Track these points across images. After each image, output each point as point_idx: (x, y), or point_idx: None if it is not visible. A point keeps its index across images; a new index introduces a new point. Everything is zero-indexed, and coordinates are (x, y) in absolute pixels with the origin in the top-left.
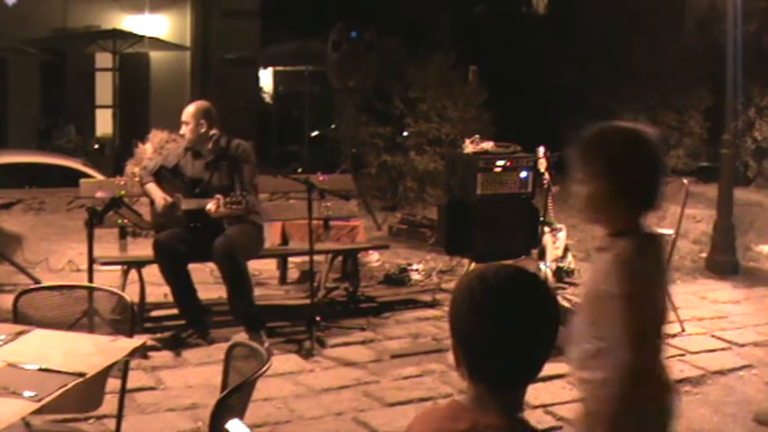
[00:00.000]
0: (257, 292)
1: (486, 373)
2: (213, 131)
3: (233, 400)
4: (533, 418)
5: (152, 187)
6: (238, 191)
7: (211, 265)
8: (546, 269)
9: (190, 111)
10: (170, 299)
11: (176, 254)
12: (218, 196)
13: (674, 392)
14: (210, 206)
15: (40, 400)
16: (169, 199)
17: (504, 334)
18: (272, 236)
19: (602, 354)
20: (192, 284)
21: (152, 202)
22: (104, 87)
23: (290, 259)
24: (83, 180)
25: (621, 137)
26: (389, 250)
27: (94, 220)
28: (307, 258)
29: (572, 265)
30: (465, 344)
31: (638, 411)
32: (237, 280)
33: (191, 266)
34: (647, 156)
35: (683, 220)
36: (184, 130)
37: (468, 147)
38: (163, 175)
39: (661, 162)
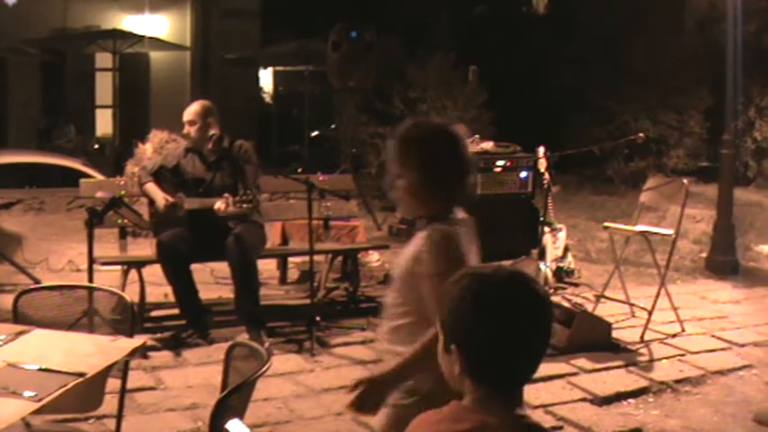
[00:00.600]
0: None
1: (487, 373)
2: (213, 131)
3: (233, 400)
4: (533, 418)
5: (152, 187)
6: (241, 191)
7: (212, 264)
8: (546, 269)
9: (196, 110)
10: (170, 299)
11: (179, 254)
12: (227, 195)
13: None
14: (219, 205)
15: (40, 400)
16: (170, 199)
17: (506, 334)
18: (272, 236)
19: (407, 329)
20: (193, 284)
21: (151, 203)
22: (104, 87)
23: (290, 259)
24: (83, 180)
25: (430, 133)
26: (389, 250)
27: (94, 220)
28: (307, 258)
29: (572, 265)
30: (465, 345)
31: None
32: (248, 278)
33: (191, 267)
34: (454, 150)
35: (682, 220)
36: (188, 129)
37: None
38: (162, 175)
39: (466, 156)
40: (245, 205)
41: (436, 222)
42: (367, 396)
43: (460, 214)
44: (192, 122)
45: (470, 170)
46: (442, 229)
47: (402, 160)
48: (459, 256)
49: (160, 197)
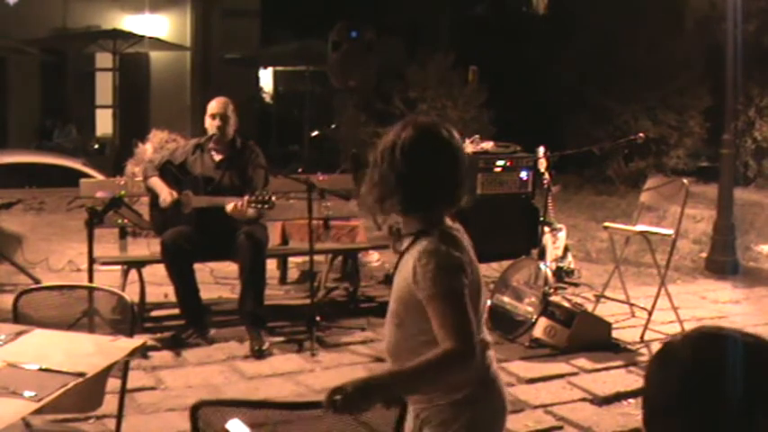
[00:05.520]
0: None
1: None
2: (231, 128)
3: None
4: (533, 418)
5: (157, 181)
6: (258, 191)
7: (212, 264)
8: (546, 269)
9: (223, 104)
10: (170, 299)
11: (182, 253)
12: (246, 196)
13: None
14: (235, 204)
15: (40, 400)
16: (175, 195)
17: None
18: (272, 236)
19: (414, 348)
20: (195, 284)
21: (152, 202)
22: (104, 87)
23: (290, 259)
24: (83, 180)
25: (423, 135)
26: (389, 250)
27: (94, 220)
28: (307, 258)
29: (572, 265)
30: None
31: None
32: (257, 277)
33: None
34: (450, 153)
35: (683, 220)
36: (212, 123)
37: (468, 147)
38: (168, 171)
39: (461, 157)
40: (261, 205)
41: (428, 236)
42: (351, 399)
43: (450, 224)
44: (218, 116)
45: (464, 173)
46: (438, 242)
47: (388, 165)
48: (458, 267)
49: (166, 192)
